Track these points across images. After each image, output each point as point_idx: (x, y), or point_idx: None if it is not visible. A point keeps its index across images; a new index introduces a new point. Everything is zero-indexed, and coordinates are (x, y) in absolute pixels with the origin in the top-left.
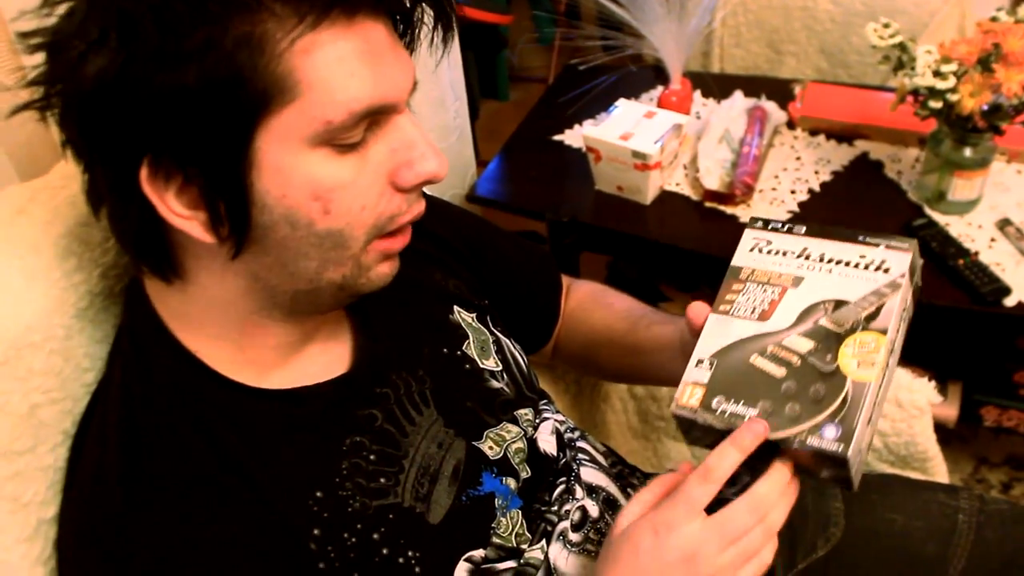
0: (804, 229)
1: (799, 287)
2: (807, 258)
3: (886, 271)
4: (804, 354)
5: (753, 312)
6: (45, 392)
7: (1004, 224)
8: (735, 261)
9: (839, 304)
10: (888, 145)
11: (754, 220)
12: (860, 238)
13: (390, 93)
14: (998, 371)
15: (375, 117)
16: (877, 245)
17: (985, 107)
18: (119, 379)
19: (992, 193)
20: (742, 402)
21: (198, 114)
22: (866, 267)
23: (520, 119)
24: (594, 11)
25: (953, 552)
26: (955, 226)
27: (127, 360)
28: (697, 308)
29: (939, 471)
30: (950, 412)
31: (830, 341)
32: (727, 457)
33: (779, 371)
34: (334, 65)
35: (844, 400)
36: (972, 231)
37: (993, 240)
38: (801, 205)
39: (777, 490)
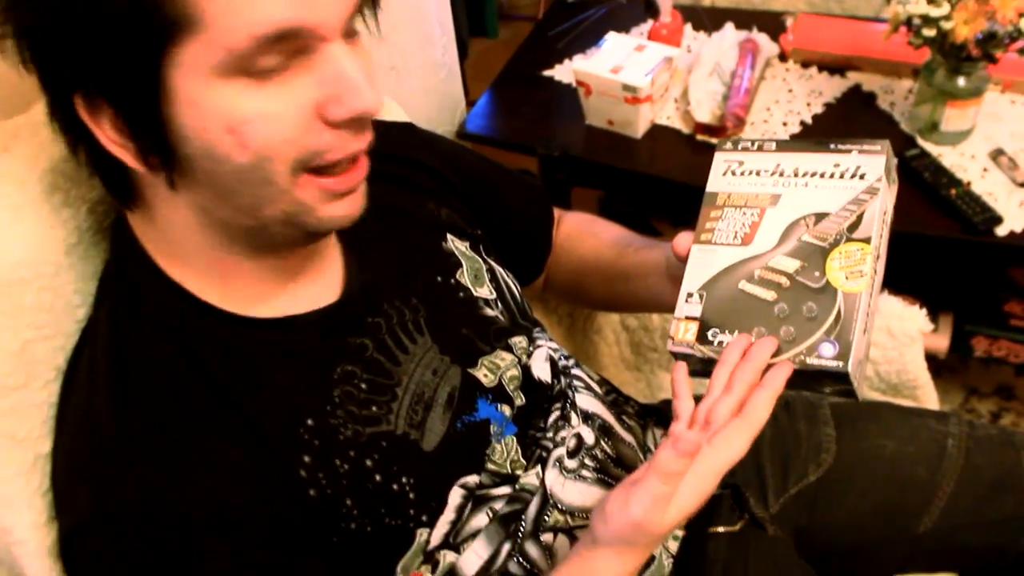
0: (775, 145)
1: (777, 205)
2: (781, 174)
3: (862, 177)
4: (792, 273)
5: (735, 237)
6: (37, 328)
7: (997, 154)
8: (709, 187)
9: (820, 217)
10: (881, 76)
11: (723, 142)
12: (832, 146)
13: (308, 17)
14: (989, 301)
15: (297, 44)
16: (849, 151)
17: (979, 35)
18: (108, 313)
19: (985, 123)
20: (737, 331)
21: (105, 48)
22: (841, 175)
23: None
24: None
25: (943, 476)
26: (948, 156)
27: (115, 294)
28: (682, 239)
29: (929, 399)
30: (941, 343)
31: (816, 256)
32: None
33: (769, 294)
34: None
35: (838, 315)
36: (965, 161)
37: (985, 170)
38: (793, 137)
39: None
